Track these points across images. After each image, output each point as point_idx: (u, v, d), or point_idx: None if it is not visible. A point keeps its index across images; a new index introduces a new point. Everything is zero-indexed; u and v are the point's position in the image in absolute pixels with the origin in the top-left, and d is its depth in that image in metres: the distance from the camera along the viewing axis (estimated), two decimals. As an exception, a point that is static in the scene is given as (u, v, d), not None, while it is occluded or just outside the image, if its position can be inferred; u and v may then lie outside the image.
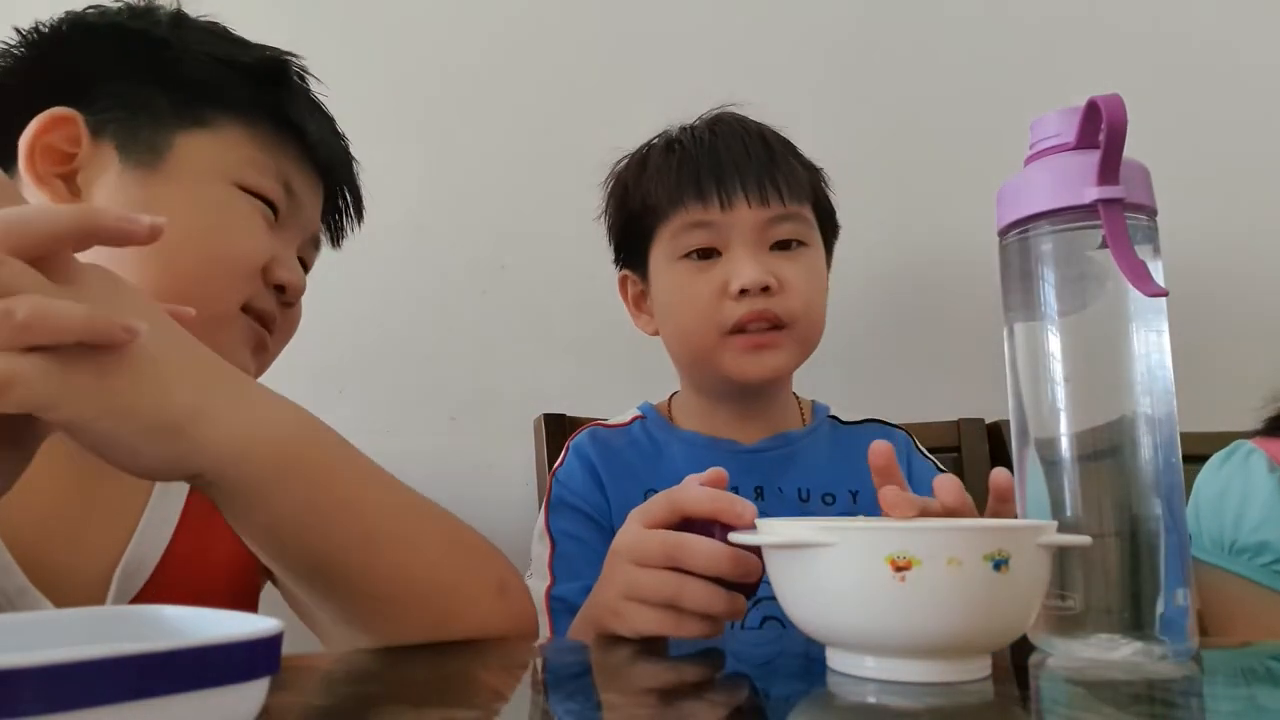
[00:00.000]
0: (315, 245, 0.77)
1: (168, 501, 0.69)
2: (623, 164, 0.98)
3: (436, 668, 0.50)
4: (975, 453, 1.17)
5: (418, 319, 1.18)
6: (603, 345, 1.20)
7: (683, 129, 0.94)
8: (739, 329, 0.86)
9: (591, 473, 0.89)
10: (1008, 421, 1.19)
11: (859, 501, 0.88)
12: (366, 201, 0.79)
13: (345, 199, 0.78)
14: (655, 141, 0.95)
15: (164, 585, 0.65)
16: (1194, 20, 1.34)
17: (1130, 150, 0.51)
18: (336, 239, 0.80)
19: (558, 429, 1.08)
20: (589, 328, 1.20)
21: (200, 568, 0.68)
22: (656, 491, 0.70)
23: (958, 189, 1.27)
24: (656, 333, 0.96)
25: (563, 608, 0.79)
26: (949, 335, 1.26)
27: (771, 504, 0.88)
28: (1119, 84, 1.31)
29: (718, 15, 1.27)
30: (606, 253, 1.14)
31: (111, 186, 0.63)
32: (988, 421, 1.19)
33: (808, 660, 0.51)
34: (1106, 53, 1.32)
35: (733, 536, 0.52)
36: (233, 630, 0.29)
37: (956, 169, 1.28)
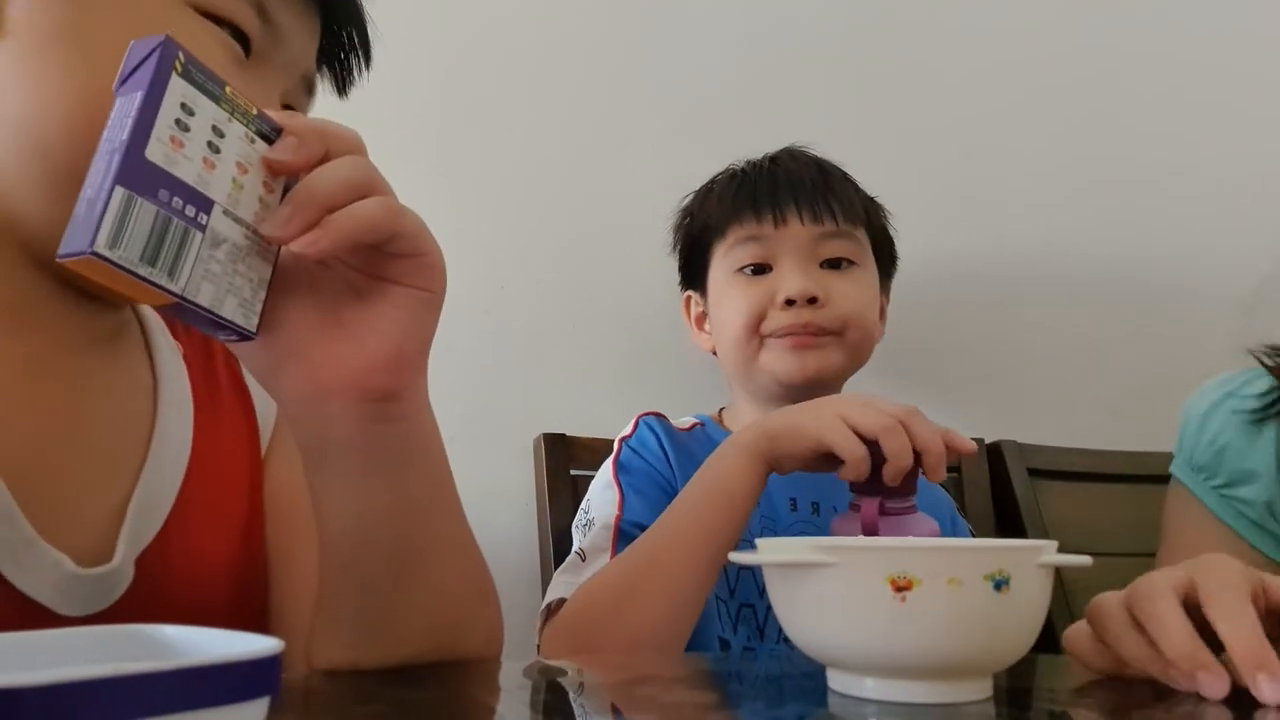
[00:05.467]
0: (308, 90, 0.61)
1: (178, 431, 0.58)
2: (690, 198, 1.05)
3: (437, 688, 0.50)
4: (975, 473, 1.17)
5: (418, 339, 1.18)
6: (603, 365, 1.20)
7: (748, 162, 1.01)
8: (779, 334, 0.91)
9: (661, 446, 0.91)
10: (1008, 441, 1.20)
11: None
12: (375, 51, 0.65)
13: (347, 34, 0.63)
14: (721, 175, 1.02)
15: (181, 528, 0.55)
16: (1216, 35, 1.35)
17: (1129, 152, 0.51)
18: (342, 86, 0.65)
19: (558, 449, 1.08)
20: (589, 348, 1.20)
21: (213, 516, 0.59)
22: None
23: (954, 213, 1.28)
24: (714, 350, 1.00)
25: (631, 534, 0.80)
26: (949, 356, 1.27)
27: (825, 518, 0.90)
28: (1136, 99, 1.30)
29: (727, 33, 1.28)
30: (605, 273, 1.14)
31: (25, 3, 0.48)
32: (988, 441, 1.19)
33: (808, 681, 0.51)
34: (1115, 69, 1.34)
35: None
36: (233, 650, 0.29)
37: (953, 193, 1.28)
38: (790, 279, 0.90)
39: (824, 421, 0.70)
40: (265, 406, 0.65)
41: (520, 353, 1.19)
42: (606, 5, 1.26)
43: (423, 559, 0.51)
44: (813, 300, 0.90)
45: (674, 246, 1.06)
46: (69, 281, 0.51)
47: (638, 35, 1.26)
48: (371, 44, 0.65)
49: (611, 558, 0.80)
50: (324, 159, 0.44)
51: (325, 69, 0.63)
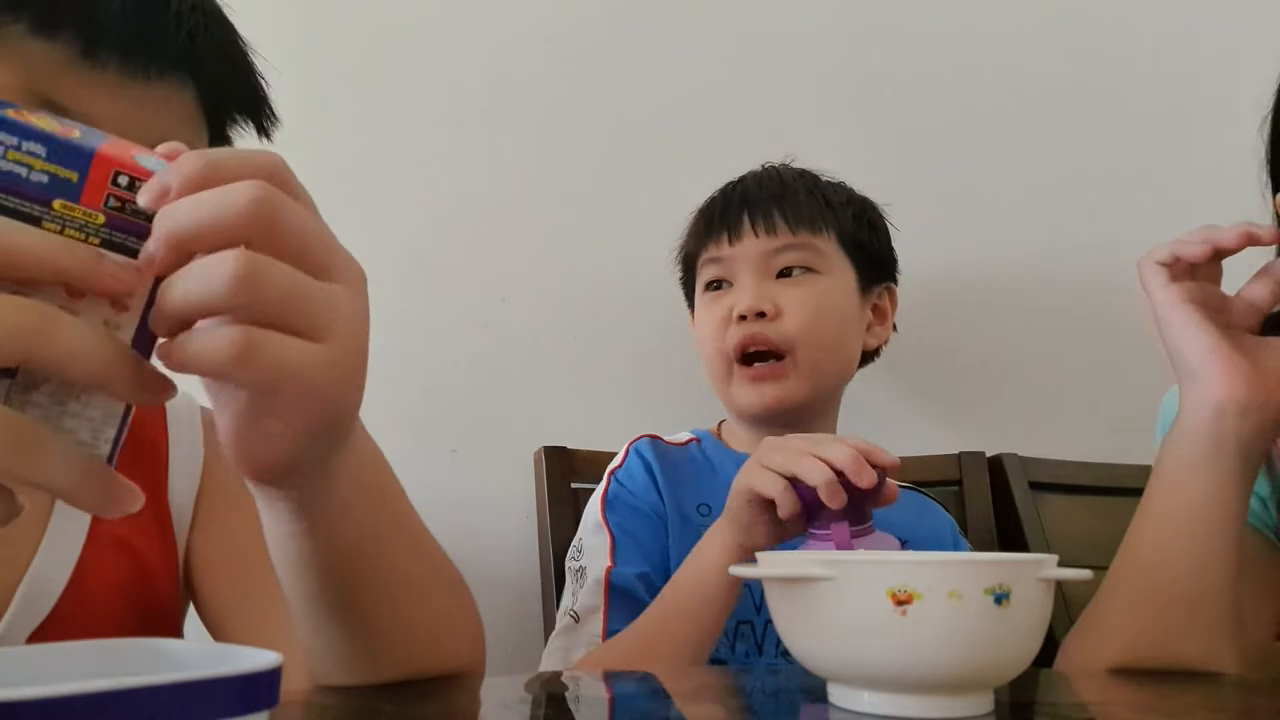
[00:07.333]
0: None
1: (72, 518, 0.61)
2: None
3: (436, 703, 0.50)
4: (977, 486, 1.17)
5: (418, 351, 1.19)
6: (604, 378, 1.20)
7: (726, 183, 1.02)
8: (741, 357, 0.91)
9: (650, 475, 0.91)
10: (1009, 454, 1.20)
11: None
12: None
13: (227, 86, 0.55)
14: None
15: (72, 610, 0.59)
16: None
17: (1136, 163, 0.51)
18: (262, 129, 0.58)
19: (558, 462, 1.08)
20: (590, 361, 1.20)
21: (106, 594, 0.62)
22: (709, 506, 0.78)
23: (957, 224, 1.28)
24: None
25: (622, 588, 0.81)
26: (949, 368, 1.27)
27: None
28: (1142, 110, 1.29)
29: (730, 44, 1.29)
30: (607, 287, 1.13)
31: None
32: (989, 455, 1.19)
33: (808, 695, 0.51)
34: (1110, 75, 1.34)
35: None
36: (232, 663, 0.29)
37: (956, 204, 1.29)
38: (739, 294, 0.92)
39: (745, 475, 0.70)
40: (185, 483, 0.67)
41: (522, 366, 1.20)
42: (614, 14, 1.26)
43: (364, 601, 0.49)
44: (762, 314, 0.90)
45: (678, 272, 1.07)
46: None
47: (641, 46, 1.27)
48: (263, 96, 0.57)
49: (604, 615, 0.80)
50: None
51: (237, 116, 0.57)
